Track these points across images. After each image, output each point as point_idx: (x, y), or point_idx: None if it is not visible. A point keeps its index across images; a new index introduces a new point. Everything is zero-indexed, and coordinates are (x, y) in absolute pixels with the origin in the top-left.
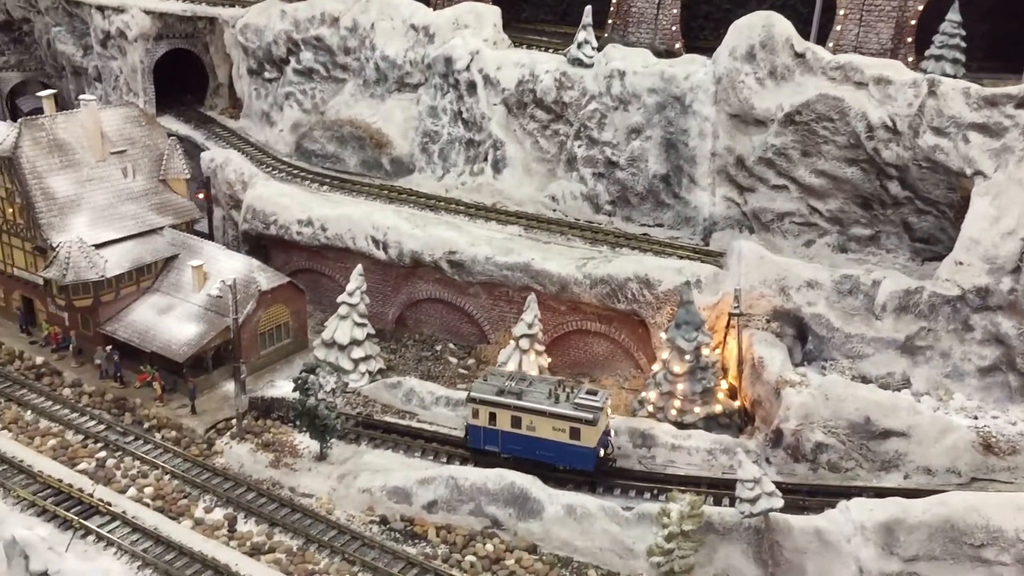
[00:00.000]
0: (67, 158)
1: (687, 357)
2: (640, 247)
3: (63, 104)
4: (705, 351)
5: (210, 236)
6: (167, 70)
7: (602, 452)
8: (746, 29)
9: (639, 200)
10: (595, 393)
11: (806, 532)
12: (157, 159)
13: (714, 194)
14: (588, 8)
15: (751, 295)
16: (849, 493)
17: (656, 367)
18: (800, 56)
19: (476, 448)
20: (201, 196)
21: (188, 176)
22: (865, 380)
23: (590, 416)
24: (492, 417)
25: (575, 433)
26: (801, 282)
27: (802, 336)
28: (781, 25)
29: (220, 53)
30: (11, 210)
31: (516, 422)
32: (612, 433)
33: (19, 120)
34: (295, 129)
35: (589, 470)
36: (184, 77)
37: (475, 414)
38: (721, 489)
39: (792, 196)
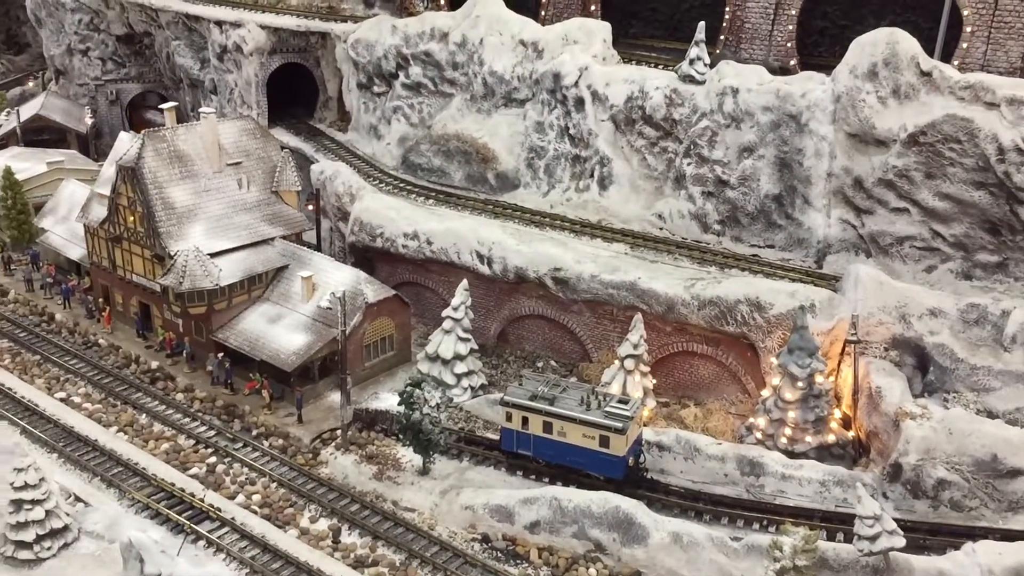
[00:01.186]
0: (186, 169)
1: (800, 384)
2: (750, 268)
3: (180, 116)
4: (819, 378)
5: (318, 247)
6: (279, 82)
7: (632, 461)
8: (868, 46)
9: (750, 220)
10: (626, 402)
11: (928, 574)
12: (270, 171)
13: (829, 216)
14: (701, 25)
15: (869, 322)
16: (974, 534)
17: (766, 393)
18: (926, 75)
19: (509, 451)
20: (311, 207)
21: (299, 188)
22: (991, 415)
23: (619, 425)
24: (524, 421)
25: (604, 441)
26: (923, 310)
27: (923, 366)
28: (906, 43)
29: (331, 67)
30: (132, 218)
31: (547, 427)
32: (644, 443)
33: (143, 132)
34: (402, 143)
35: (618, 478)
36: (295, 89)
37: (508, 418)
38: (835, 523)
39: (913, 219)
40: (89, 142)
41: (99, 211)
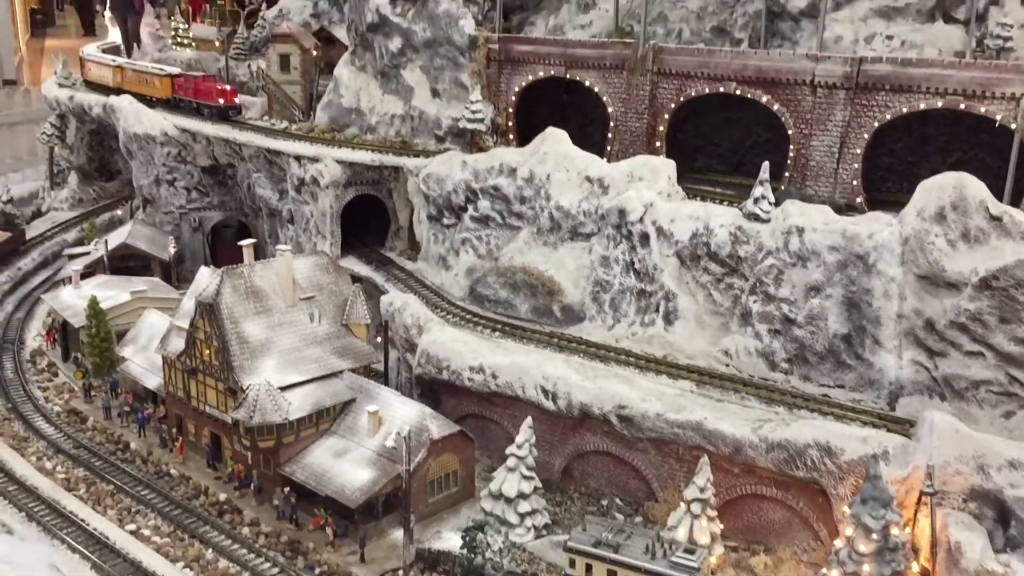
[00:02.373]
0: (261, 304)
1: (874, 536)
2: (820, 409)
3: (258, 245)
4: (894, 530)
5: (385, 377)
6: (352, 211)
7: None
8: (936, 190)
9: (818, 360)
10: (693, 552)
11: None
12: (341, 304)
13: (901, 357)
14: (765, 165)
15: (945, 471)
16: None
17: (839, 543)
18: (996, 219)
19: None
20: (379, 339)
21: (368, 321)
22: None
23: None
24: (588, 568)
25: None
26: (1002, 461)
27: (1004, 519)
28: (974, 187)
29: (402, 198)
30: (208, 351)
31: (612, 575)
32: None
33: (223, 269)
34: (469, 274)
35: None
36: (367, 218)
37: (572, 564)
38: None
39: (989, 364)
40: (171, 269)
41: (177, 343)
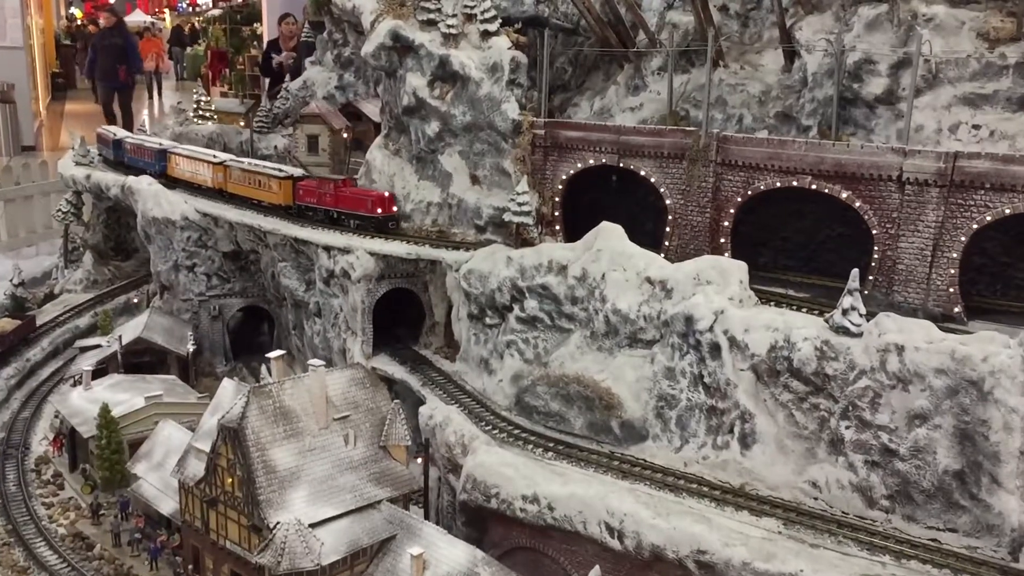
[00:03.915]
0: (291, 427)
1: None
2: (932, 560)
3: (280, 337)
4: None
5: (425, 498)
6: (383, 301)
7: None
8: None
9: (925, 498)
10: None
11: None
12: (379, 423)
13: None
14: (855, 272)
15: None
16: None
17: None
18: None
19: None
20: (419, 460)
21: (408, 443)
22: None
23: None
24: None
25: None
26: None
27: None
28: None
29: (439, 292)
30: (231, 480)
31: None
32: None
33: (250, 389)
34: (515, 381)
35: None
36: (399, 310)
37: None
38: None
39: None
40: (189, 367)
41: (196, 467)
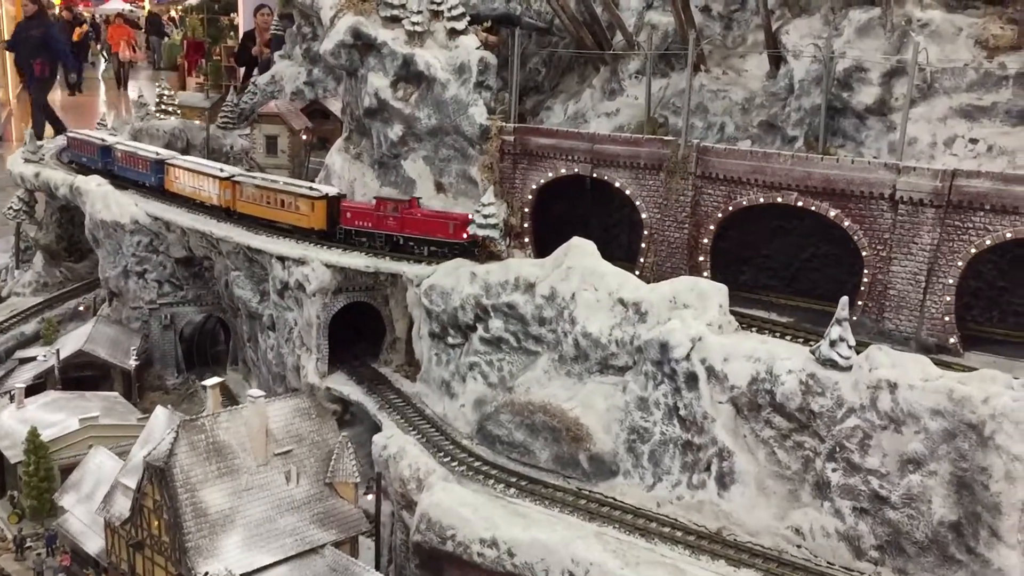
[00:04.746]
0: (226, 464)
1: None
2: None
3: (235, 349)
4: None
5: (376, 535)
6: (340, 314)
7: None
8: None
9: (918, 551)
10: None
11: None
12: (325, 458)
13: None
14: (844, 300)
15: None
16: None
17: None
18: None
19: None
20: (370, 496)
21: (358, 480)
22: None
23: None
24: None
25: None
26: None
27: None
28: None
29: (400, 307)
30: (157, 523)
31: None
32: None
33: (180, 424)
34: (478, 406)
35: None
36: (358, 323)
37: None
38: None
39: None
40: (132, 384)
41: (123, 505)
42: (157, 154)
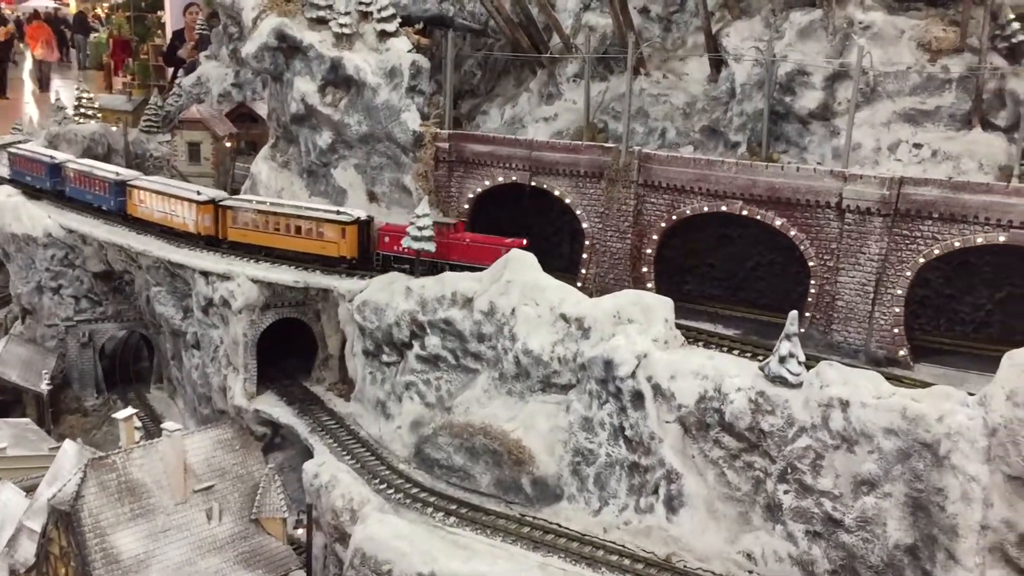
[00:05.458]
0: (140, 504)
1: None
2: None
3: (159, 367)
4: None
5: (308, 570)
6: (270, 330)
7: None
8: None
9: (873, 575)
10: None
11: None
12: (250, 492)
13: None
14: (793, 314)
15: None
16: None
17: None
18: None
19: None
20: (300, 531)
21: (286, 515)
22: None
23: None
24: None
25: None
26: None
27: None
28: None
29: (332, 323)
30: (64, 571)
31: None
32: None
33: (88, 462)
34: (415, 428)
35: None
36: (289, 338)
37: None
38: None
39: None
40: (45, 408)
41: (28, 550)
42: (118, 174)
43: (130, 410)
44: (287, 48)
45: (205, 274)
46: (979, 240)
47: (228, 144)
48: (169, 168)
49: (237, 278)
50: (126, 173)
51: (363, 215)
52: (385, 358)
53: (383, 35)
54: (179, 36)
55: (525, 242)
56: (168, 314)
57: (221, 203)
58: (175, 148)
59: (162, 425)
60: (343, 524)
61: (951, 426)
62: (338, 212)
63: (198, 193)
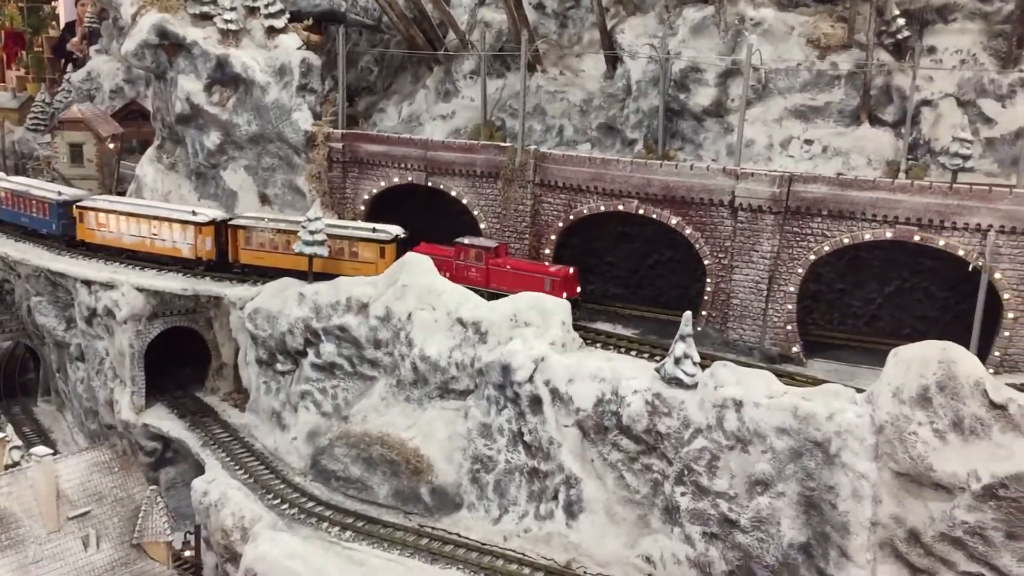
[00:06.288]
0: (8, 535)
1: None
2: None
3: (46, 378)
4: None
5: None
6: (160, 339)
7: None
8: (917, 364)
9: (769, 575)
10: None
11: None
12: (131, 516)
13: (875, 574)
14: (687, 315)
15: None
16: None
17: None
18: (999, 408)
19: None
20: (187, 553)
21: (170, 538)
22: None
23: None
24: None
25: None
26: None
27: None
28: (966, 363)
29: (225, 331)
30: None
31: None
32: None
33: None
34: (311, 439)
35: None
36: (182, 346)
37: None
38: None
39: None
40: None
41: None
42: (60, 193)
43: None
44: (169, 45)
45: (87, 283)
46: (867, 236)
47: (112, 146)
48: (49, 171)
49: (121, 287)
50: (71, 192)
51: (401, 232)
52: (279, 367)
53: (271, 31)
54: (70, 29)
55: (572, 271)
56: (50, 325)
57: (229, 223)
58: (56, 149)
59: (31, 450)
60: (234, 544)
61: (840, 424)
62: (374, 229)
63: (193, 213)
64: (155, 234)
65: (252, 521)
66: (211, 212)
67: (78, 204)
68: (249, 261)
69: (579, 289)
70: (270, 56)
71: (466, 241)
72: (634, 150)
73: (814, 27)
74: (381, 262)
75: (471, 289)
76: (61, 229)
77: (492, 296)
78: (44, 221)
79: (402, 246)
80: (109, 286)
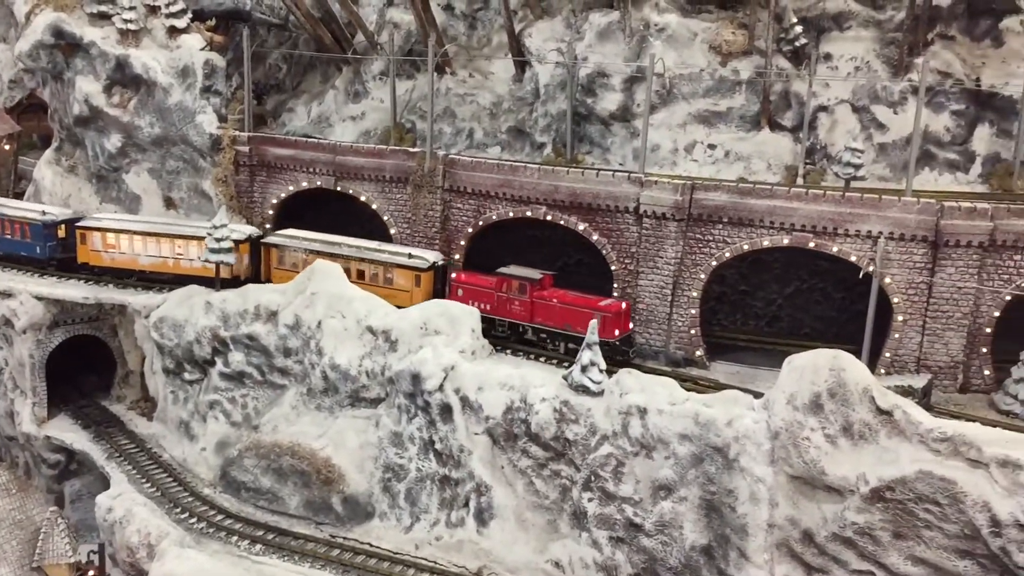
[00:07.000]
0: None
1: None
2: None
3: None
4: None
5: None
6: (63, 346)
7: None
8: (809, 372)
9: None
10: None
11: None
12: (31, 539)
13: (773, 574)
14: (593, 323)
15: None
16: None
17: None
18: (885, 414)
19: None
20: (91, 574)
21: (72, 559)
22: None
23: None
24: None
25: None
26: None
27: None
28: (854, 370)
29: (130, 338)
30: None
31: None
32: None
33: None
34: (221, 449)
35: None
36: (86, 355)
37: None
38: None
39: None
40: None
41: None
42: (44, 213)
43: None
44: (66, 46)
45: None
46: (766, 243)
47: (7, 147)
48: None
49: (19, 295)
50: (57, 211)
51: (438, 259)
52: (187, 376)
53: (173, 31)
54: None
55: (624, 305)
56: None
57: (265, 240)
58: None
59: None
60: (139, 561)
61: (739, 430)
62: (410, 255)
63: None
64: (180, 254)
65: (159, 537)
66: (244, 228)
67: (79, 225)
68: (280, 282)
69: (632, 325)
70: (172, 57)
71: (509, 271)
72: (543, 153)
73: (716, 34)
74: (416, 290)
75: (513, 324)
76: (49, 252)
77: (537, 332)
78: (26, 244)
79: (439, 274)
80: (6, 295)
